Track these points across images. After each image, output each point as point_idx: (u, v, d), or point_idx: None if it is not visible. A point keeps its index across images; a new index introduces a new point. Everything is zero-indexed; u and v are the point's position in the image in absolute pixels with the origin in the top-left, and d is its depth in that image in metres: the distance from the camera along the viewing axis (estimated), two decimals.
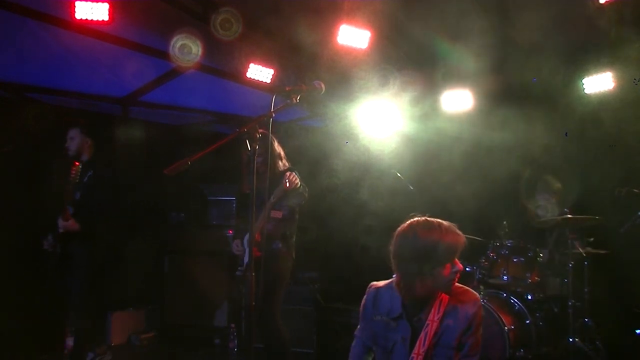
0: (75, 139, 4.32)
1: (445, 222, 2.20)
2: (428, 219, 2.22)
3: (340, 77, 4.98)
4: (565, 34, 4.28)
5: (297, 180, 3.62)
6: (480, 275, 4.34)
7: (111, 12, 3.58)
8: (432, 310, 2.19)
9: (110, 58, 4.52)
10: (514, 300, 4.29)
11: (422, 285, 2.14)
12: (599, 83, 4.53)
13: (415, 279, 2.14)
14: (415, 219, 2.23)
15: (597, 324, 4.27)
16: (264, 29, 4.41)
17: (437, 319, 2.17)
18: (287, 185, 3.53)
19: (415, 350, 2.16)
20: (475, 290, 4.23)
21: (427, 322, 2.18)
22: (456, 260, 2.18)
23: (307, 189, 3.84)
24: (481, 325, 2.23)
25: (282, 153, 3.99)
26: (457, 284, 2.25)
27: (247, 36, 4.22)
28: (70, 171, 3.99)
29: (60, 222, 4.12)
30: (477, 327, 2.20)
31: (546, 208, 4.65)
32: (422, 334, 2.17)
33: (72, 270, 4.21)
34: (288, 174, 3.59)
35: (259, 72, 4.55)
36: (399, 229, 2.24)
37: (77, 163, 4.02)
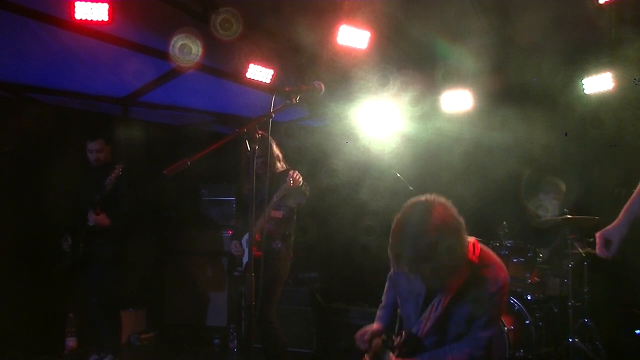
0: (102, 151, 4.50)
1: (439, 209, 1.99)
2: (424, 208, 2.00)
3: (340, 77, 4.98)
4: (565, 34, 4.27)
5: (301, 179, 3.62)
6: None
7: (111, 12, 3.58)
8: (453, 277, 2.03)
9: (110, 58, 4.52)
10: (513, 301, 4.28)
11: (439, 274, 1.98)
12: (598, 83, 4.52)
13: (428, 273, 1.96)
14: (411, 212, 2.01)
15: (597, 324, 4.26)
16: (264, 29, 4.41)
17: (456, 288, 2.04)
18: (292, 183, 3.53)
19: (426, 314, 2.08)
20: None
21: (444, 289, 2.05)
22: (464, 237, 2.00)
23: (308, 188, 3.84)
24: (503, 301, 2.09)
25: (280, 155, 4.00)
26: (488, 252, 2.16)
27: (247, 36, 4.21)
28: (113, 173, 4.18)
29: (91, 216, 4.27)
30: (497, 304, 2.06)
31: (546, 208, 4.65)
32: (436, 300, 2.06)
33: (98, 267, 4.38)
34: (292, 172, 3.59)
35: (259, 73, 4.54)
36: (398, 225, 2.00)
37: (118, 166, 4.21)
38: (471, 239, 2.12)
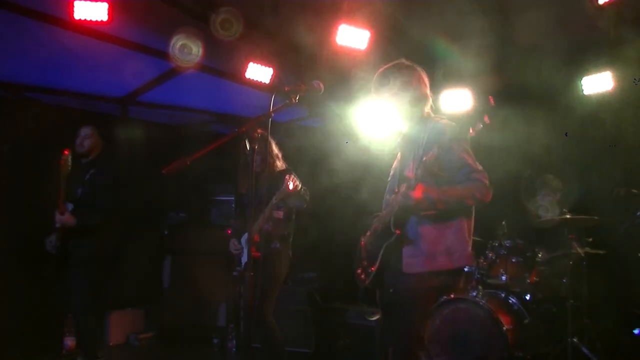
0: (90, 138, 4.28)
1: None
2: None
3: (340, 77, 4.98)
4: (565, 34, 4.27)
5: (298, 183, 3.62)
6: (478, 275, 4.33)
7: (110, 12, 3.58)
8: (407, 107, 2.83)
9: (110, 58, 4.52)
10: (512, 300, 4.28)
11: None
12: (598, 83, 4.52)
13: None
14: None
15: (596, 324, 4.26)
16: (264, 29, 4.41)
17: (423, 142, 2.66)
18: (290, 188, 3.54)
19: (409, 170, 2.69)
20: (474, 290, 4.25)
21: (412, 159, 2.69)
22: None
23: (308, 192, 3.84)
24: (467, 145, 2.70)
25: (280, 154, 4.00)
26: (443, 119, 2.79)
27: (247, 36, 4.21)
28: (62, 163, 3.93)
29: (57, 217, 4.02)
30: (464, 147, 2.69)
31: (547, 208, 4.65)
32: (410, 160, 2.71)
33: (73, 268, 4.09)
34: (288, 176, 3.59)
35: (259, 72, 4.54)
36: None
37: (66, 152, 3.94)
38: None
